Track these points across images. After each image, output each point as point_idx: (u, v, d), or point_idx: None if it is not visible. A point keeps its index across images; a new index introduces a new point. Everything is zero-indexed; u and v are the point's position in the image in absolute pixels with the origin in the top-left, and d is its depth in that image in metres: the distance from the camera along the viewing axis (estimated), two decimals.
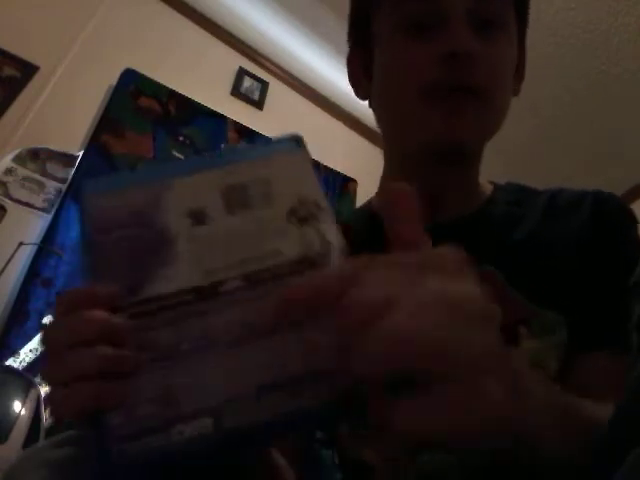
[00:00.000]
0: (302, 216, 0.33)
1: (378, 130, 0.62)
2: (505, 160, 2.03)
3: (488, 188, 0.62)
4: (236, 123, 2.28)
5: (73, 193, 1.82)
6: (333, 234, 0.32)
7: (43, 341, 0.30)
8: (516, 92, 0.60)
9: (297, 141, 0.37)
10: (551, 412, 0.29)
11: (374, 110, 0.61)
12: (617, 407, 0.30)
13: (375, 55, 0.59)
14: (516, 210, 0.58)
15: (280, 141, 0.37)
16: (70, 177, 1.84)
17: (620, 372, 0.39)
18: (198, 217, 0.32)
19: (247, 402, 0.27)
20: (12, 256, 1.61)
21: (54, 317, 0.30)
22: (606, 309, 0.48)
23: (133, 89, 2.09)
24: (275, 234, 0.32)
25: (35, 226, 1.75)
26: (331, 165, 2.49)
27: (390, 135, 0.61)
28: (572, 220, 0.54)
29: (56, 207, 1.78)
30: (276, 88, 2.57)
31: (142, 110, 2.09)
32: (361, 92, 0.64)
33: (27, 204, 1.75)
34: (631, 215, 0.55)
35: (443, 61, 0.50)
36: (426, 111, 0.52)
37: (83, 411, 0.27)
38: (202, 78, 2.28)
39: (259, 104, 2.47)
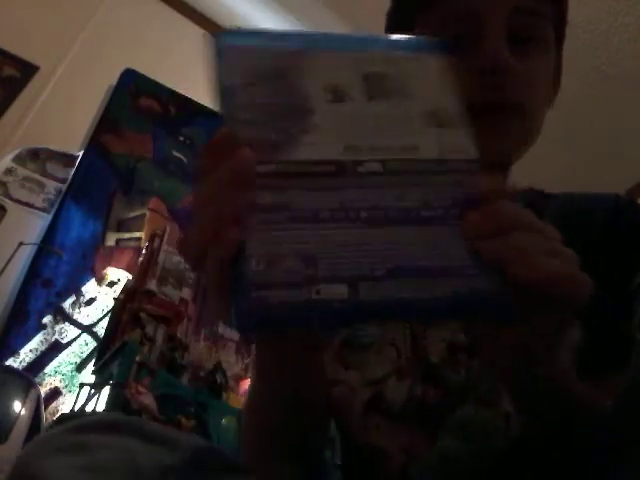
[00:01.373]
0: (442, 120, 0.33)
1: None
2: None
3: None
4: None
5: (73, 193, 1.82)
6: (471, 146, 0.33)
7: (198, 174, 0.30)
8: (550, 104, 0.59)
9: (443, 47, 0.36)
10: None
11: None
12: (618, 398, 0.30)
13: None
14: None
15: (424, 42, 0.37)
16: (70, 177, 1.84)
17: None
18: (338, 94, 0.32)
19: (377, 280, 0.28)
20: (12, 256, 1.61)
21: (204, 159, 0.30)
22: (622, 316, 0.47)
23: (133, 89, 2.09)
24: (413, 130, 0.32)
25: (35, 226, 1.75)
26: None
27: None
28: (588, 225, 0.54)
29: (56, 207, 1.78)
30: None
31: (142, 110, 2.10)
32: None
33: (27, 204, 1.75)
34: None
35: (480, 76, 0.50)
36: None
37: (227, 245, 0.27)
38: (202, 78, 2.27)
39: None
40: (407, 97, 0.33)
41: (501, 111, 0.51)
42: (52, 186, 1.82)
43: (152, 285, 1.58)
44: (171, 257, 1.73)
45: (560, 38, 0.57)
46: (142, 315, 1.48)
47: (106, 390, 1.29)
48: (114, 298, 1.70)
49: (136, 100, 2.09)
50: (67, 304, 1.71)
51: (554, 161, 2.42)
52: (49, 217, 1.77)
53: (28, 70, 1.90)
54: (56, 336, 1.66)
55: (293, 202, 0.29)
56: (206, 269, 0.29)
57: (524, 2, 0.51)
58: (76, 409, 1.40)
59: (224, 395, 1.56)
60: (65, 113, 1.94)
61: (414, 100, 0.33)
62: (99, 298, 1.77)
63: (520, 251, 0.30)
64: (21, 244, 1.65)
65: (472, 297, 0.29)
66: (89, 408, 1.33)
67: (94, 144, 1.93)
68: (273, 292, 0.27)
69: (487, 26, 0.51)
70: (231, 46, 0.33)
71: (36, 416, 1.22)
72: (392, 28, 0.62)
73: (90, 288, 1.77)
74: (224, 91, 0.31)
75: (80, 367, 1.65)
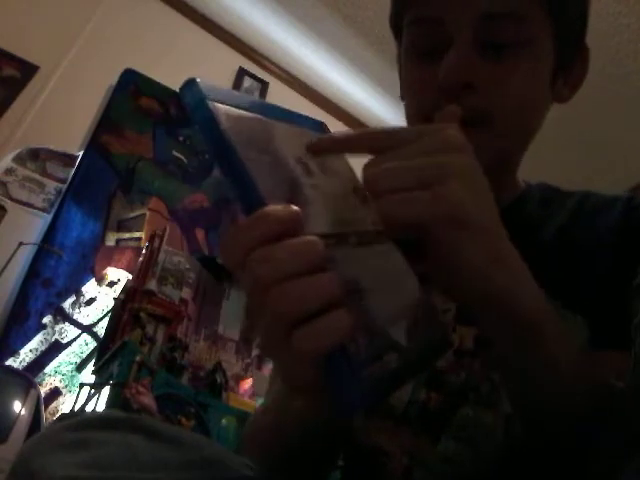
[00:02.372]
0: (362, 195, 0.35)
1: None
2: None
3: (520, 187, 0.62)
4: None
5: (73, 193, 1.82)
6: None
7: (252, 273, 0.26)
8: (563, 99, 0.58)
9: (320, 128, 0.39)
10: (541, 296, 0.34)
11: None
12: (620, 403, 0.30)
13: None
14: (545, 210, 0.58)
15: (314, 121, 0.38)
16: (70, 177, 1.84)
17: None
18: (304, 167, 0.32)
19: (409, 335, 0.29)
20: (12, 256, 1.61)
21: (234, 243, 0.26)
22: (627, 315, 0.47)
23: (133, 89, 2.09)
24: (353, 203, 0.34)
25: (35, 226, 1.75)
26: None
27: None
28: (601, 224, 0.53)
29: (56, 207, 1.78)
30: (276, 88, 2.57)
31: (142, 110, 2.10)
32: None
33: (27, 204, 1.75)
34: None
35: (437, 89, 0.49)
36: None
37: (331, 345, 0.25)
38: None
39: None
40: (337, 173, 0.35)
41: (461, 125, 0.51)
42: (52, 186, 1.82)
43: (152, 285, 1.58)
44: (171, 257, 1.73)
45: (565, 43, 0.53)
46: (142, 315, 1.48)
47: (106, 390, 1.29)
48: (114, 298, 1.70)
49: (136, 100, 2.09)
50: (67, 304, 1.71)
51: (554, 161, 2.42)
52: (49, 217, 1.77)
53: (28, 70, 1.90)
54: (56, 336, 1.66)
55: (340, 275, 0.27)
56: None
57: (496, 7, 0.48)
58: (76, 409, 1.40)
59: (224, 395, 1.56)
60: (65, 113, 1.94)
61: (339, 176, 0.35)
62: (99, 298, 1.77)
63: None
64: (21, 244, 1.65)
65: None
66: (89, 408, 1.33)
67: (94, 144, 1.93)
68: (366, 370, 0.26)
69: (455, 33, 0.49)
70: (220, 106, 0.30)
71: (36, 416, 1.22)
72: (392, 28, 0.61)
73: (90, 288, 1.77)
74: (238, 157, 0.28)
75: (80, 367, 1.65)
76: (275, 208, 0.26)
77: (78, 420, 0.39)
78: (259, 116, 0.32)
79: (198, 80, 0.30)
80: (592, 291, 0.49)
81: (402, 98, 0.59)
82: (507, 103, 0.50)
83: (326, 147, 0.31)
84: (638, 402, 0.30)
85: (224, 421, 1.41)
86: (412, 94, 0.55)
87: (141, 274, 1.63)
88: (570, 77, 0.57)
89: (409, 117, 0.56)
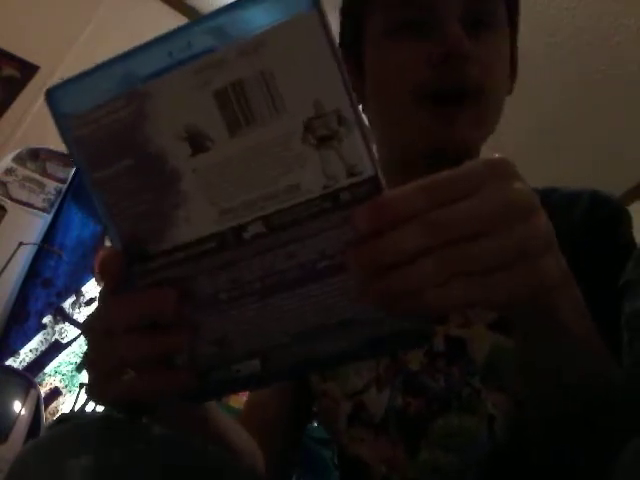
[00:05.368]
0: (321, 134, 0.25)
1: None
2: None
3: None
4: None
5: (73, 193, 1.82)
6: (363, 157, 0.25)
7: (86, 330, 0.33)
8: (509, 91, 0.59)
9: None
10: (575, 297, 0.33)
11: (366, 113, 0.58)
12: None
13: (367, 56, 0.57)
14: None
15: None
16: (70, 177, 1.85)
17: None
18: (196, 141, 0.26)
19: (285, 347, 0.29)
20: (12, 256, 1.61)
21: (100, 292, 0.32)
22: (598, 311, 0.47)
23: None
24: (290, 162, 0.26)
25: (35, 226, 1.75)
26: None
27: (384, 138, 0.58)
28: (566, 220, 0.53)
29: (56, 207, 1.78)
30: None
31: None
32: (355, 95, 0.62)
33: (27, 204, 1.75)
34: (626, 216, 0.54)
35: (436, 62, 0.49)
36: (419, 114, 0.51)
37: (153, 395, 0.31)
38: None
39: None
40: (275, 109, 0.25)
41: (459, 99, 0.50)
42: (52, 186, 1.82)
43: None
44: None
45: (513, 26, 0.56)
46: None
47: None
48: None
49: None
50: (67, 304, 1.71)
51: (554, 161, 2.43)
52: (49, 217, 1.77)
53: (28, 70, 1.90)
54: (56, 336, 1.66)
55: (194, 290, 0.29)
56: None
57: None
58: (76, 409, 1.40)
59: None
60: None
61: (284, 111, 0.25)
62: None
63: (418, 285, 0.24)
64: (21, 244, 1.65)
65: (381, 342, 0.28)
66: (89, 408, 1.33)
67: None
68: (201, 380, 0.30)
69: (441, 10, 0.50)
70: (69, 117, 0.30)
71: (36, 416, 1.22)
72: (343, 27, 0.59)
73: (90, 288, 1.77)
74: (87, 182, 0.31)
75: (80, 367, 1.65)
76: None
77: (78, 422, 0.39)
78: (126, 95, 0.27)
79: (53, 90, 0.29)
80: None
81: (358, 99, 0.56)
82: (495, 80, 0.52)
83: (365, 226, 0.25)
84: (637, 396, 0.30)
85: None
86: (400, 73, 0.52)
87: None
88: (512, 68, 0.58)
89: (391, 106, 0.54)
